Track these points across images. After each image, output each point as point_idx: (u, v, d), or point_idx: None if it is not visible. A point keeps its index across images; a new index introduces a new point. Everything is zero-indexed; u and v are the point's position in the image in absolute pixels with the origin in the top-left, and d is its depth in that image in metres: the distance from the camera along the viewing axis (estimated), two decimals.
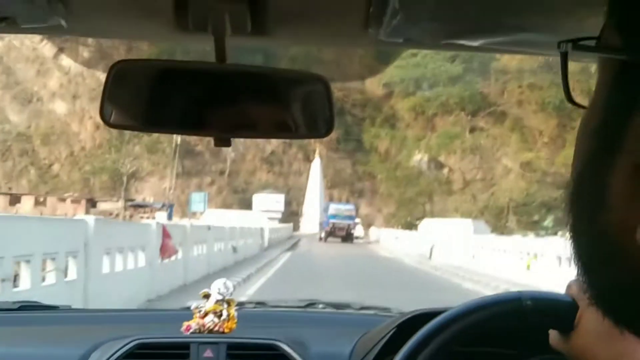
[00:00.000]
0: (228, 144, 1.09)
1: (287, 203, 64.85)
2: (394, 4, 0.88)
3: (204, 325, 1.65)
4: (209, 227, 18.30)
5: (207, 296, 1.69)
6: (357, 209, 67.13)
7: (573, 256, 0.45)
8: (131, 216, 51.44)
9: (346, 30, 1.09)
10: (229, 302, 1.69)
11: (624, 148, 0.41)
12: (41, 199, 56.06)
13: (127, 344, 1.53)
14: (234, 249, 20.75)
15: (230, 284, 1.74)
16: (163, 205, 53.52)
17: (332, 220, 51.20)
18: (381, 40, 1.02)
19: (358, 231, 57.27)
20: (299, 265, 22.56)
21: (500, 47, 1.03)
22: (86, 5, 1.00)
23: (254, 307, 2.22)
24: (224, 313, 1.67)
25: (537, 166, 58.68)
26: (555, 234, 37.87)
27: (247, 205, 59.76)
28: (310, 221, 65.93)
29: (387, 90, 70.32)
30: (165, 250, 12.67)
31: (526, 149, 62.01)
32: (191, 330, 1.66)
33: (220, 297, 1.68)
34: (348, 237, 50.73)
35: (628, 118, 0.41)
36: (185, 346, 1.55)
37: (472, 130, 64.95)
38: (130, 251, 11.37)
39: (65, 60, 69.37)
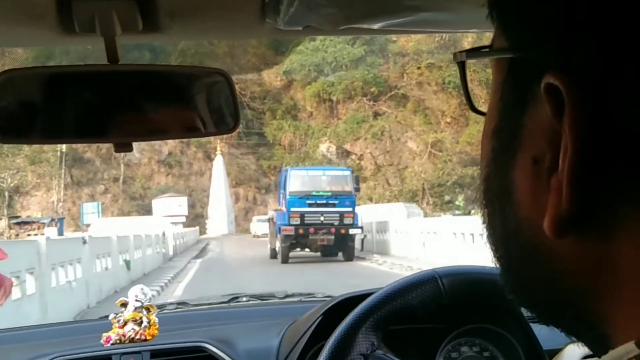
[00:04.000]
0: (130, 149, 1.04)
1: (191, 206, 61.27)
2: None
3: (124, 335, 1.59)
4: (84, 240, 13.69)
5: (124, 304, 1.63)
6: (265, 205, 64.11)
7: (492, 255, 0.47)
8: (17, 235, 46.97)
9: (243, 22, 1.05)
10: (148, 309, 1.63)
11: (520, 144, 0.43)
12: None
13: None
14: (127, 265, 16.67)
15: (147, 290, 1.66)
16: (52, 220, 48.86)
17: (296, 210, 23.16)
18: (280, 30, 1.01)
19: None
20: (212, 276, 19.01)
21: (399, 28, 1.02)
22: None
23: (176, 309, 2.15)
24: (144, 320, 1.61)
25: (442, 147, 57.97)
26: (469, 213, 36.43)
27: (147, 212, 55.61)
28: (217, 223, 62.55)
29: (287, 80, 68.03)
30: None
31: (430, 130, 61.37)
32: (111, 342, 1.59)
33: (138, 304, 1.62)
34: (340, 248, 23.05)
35: (520, 114, 0.43)
36: (107, 358, 1.52)
37: (376, 115, 63.58)
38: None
39: None
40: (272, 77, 69.42)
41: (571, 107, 0.39)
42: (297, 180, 23.83)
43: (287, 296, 2.27)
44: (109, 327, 1.63)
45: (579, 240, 0.40)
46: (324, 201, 22.94)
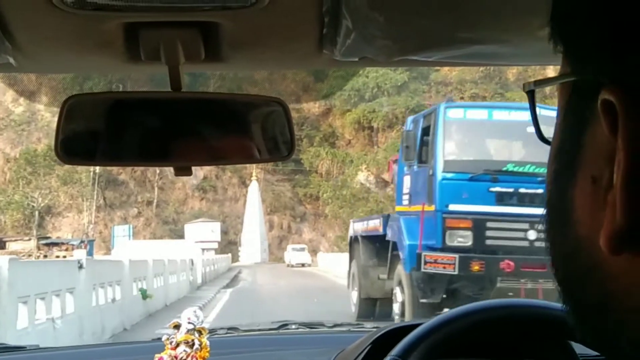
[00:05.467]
0: (189, 173, 1.08)
1: (224, 232, 59.76)
2: (347, 24, 0.89)
3: (176, 357, 1.62)
4: (80, 265, 10.66)
5: (177, 326, 1.64)
6: (300, 234, 62.42)
7: (553, 274, 0.47)
8: (45, 255, 45.83)
9: (301, 52, 1.08)
10: (200, 331, 1.65)
11: (580, 164, 0.44)
12: None
13: None
14: (143, 294, 14.59)
15: (200, 312, 1.70)
16: (82, 242, 47.59)
17: (465, 211, 10.31)
18: (336, 60, 1.04)
19: (305, 258, 52.30)
20: (243, 308, 17.05)
21: (454, 60, 1.04)
22: (34, 42, 1.00)
23: (226, 334, 2.18)
24: (196, 342, 1.63)
25: None
26: None
27: (179, 236, 54.29)
28: (250, 250, 60.78)
29: (325, 106, 66.70)
30: None
31: None
32: None
33: (191, 327, 1.64)
34: None
35: (580, 134, 0.44)
36: None
37: None
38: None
39: None
40: (310, 103, 68.24)
41: (624, 121, 0.39)
42: (467, 135, 10.88)
43: (336, 325, 2.26)
44: (161, 349, 1.63)
45: (634, 257, 0.40)
46: (534, 190, 10.13)
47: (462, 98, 61.96)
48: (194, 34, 0.94)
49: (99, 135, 1.06)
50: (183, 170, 1.07)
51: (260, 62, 1.16)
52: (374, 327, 1.84)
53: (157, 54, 0.97)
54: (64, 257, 43.98)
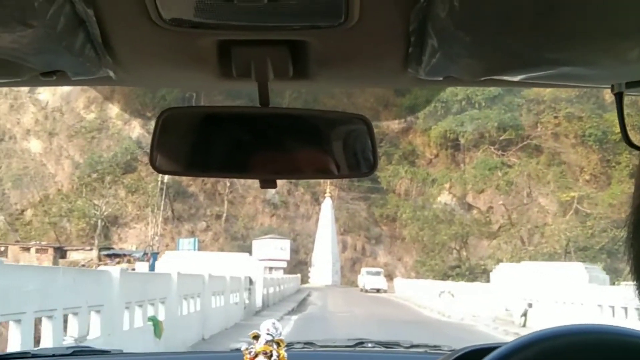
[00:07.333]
0: (274, 186, 1.13)
1: (294, 251, 56.29)
2: (433, 43, 0.91)
3: None
4: None
5: (256, 337, 1.69)
6: (374, 257, 58.40)
7: (636, 287, 0.43)
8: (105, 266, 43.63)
9: (386, 71, 1.11)
10: (278, 343, 1.68)
11: None
12: (1, 248, 47.82)
13: None
14: (155, 325, 10.38)
15: (279, 324, 1.73)
16: (145, 254, 45.10)
17: None
18: (421, 79, 1.06)
19: (380, 283, 48.17)
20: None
21: (540, 81, 1.04)
22: (133, 58, 1.05)
23: (303, 348, 2.18)
24: (274, 354, 1.67)
25: (586, 205, 50.56)
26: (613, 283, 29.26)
27: (247, 253, 51.02)
28: (321, 272, 57.10)
29: (406, 124, 62.86)
30: None
31: (564, 186, 53.96)
32: None
33: (269, 338, 1.68)
34: None
35: None
36: None
37: (502, 165, 56.95)
38: None
39: (42, 94, 61.97)
40: (389, 119, 64.51)
41: None
42: None
43: (412, 346, 2.25)
44: (240, 358, 1.68)
45: None
46: None
47: (555, 117, 57.33)
48: (284, 51, 0.97)
49: (191, 146, 1.11)
50: (268, 183, 1.12)
51: (345, 80, 1.18)
52: (451, 350, 1.76)
53: (248, 70, 1.01)
54: (126, 269, 41.65)
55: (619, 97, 0.48)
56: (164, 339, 10.17)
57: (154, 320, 10.20)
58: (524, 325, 18.52)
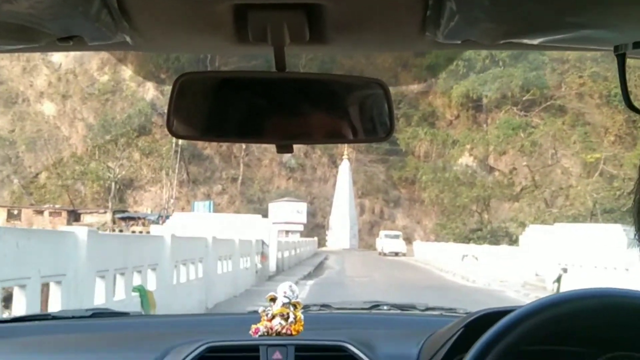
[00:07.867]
0: (290, 150, 1.14)
1: (311, 214, 55.39)
2: (451, 6, 0.91)
3: (271, 328, 1.68)
4: None
5: (273, 299, 1.71)
6: (393, 220, 57.32)
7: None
8: (120, 230, 43.00)
9: (403, 35, 1.10)
10: (295, 305, 1.71)
11: None
12: (15, 212, 47.39)
13: (197, 348, 1.58)
14: (142, 296, 9.09)
15: (295, 287, 1.76)
16: (159, 217, 44.39)
17: None
18: (439, 43, 1.05)
19: (399, 247, 47.17)
20: None
21: (559, 44, 1.04)
22: (150, 23, 1.05)
23: (319, 310, 2.23)
24: (291, 316, 1.69)
25: (612, 166, 49.05)
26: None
27: (264, 216, 50.13)
28: (339, 235, 56.15)
29: (426, 84, 61.08)
30: None
31: (588, 148, 52.33)
32: (259, 333, 1.69)
33: (286, 300, 1.71)
34: None
35: None
36: (255, 348, 1.60)
37: (526, 126, 55.27)
38: None
39: (56, 56, 60.87)
40: (409, 80, 62.80)
41: None
42: None
43: (428, 308, 2.29)
44: (257, 320, 1.69)
45: None
46: None
47: (580, 77, 55.41)
48: (300, 15, 0.96)
49: (207, 111, 1.12)
50: (285, 148, 1.13)
51: (362, 44, 1.17)
52: (467, 313, 1.79)
53: (264, 35, 1.00)
54: (140, 232, 40.96)
55: (621, 59, 0.46)
56: (158, 311, 9.00)
57: (140, 290, 8.99)
58: (558, 292, 17.25)
